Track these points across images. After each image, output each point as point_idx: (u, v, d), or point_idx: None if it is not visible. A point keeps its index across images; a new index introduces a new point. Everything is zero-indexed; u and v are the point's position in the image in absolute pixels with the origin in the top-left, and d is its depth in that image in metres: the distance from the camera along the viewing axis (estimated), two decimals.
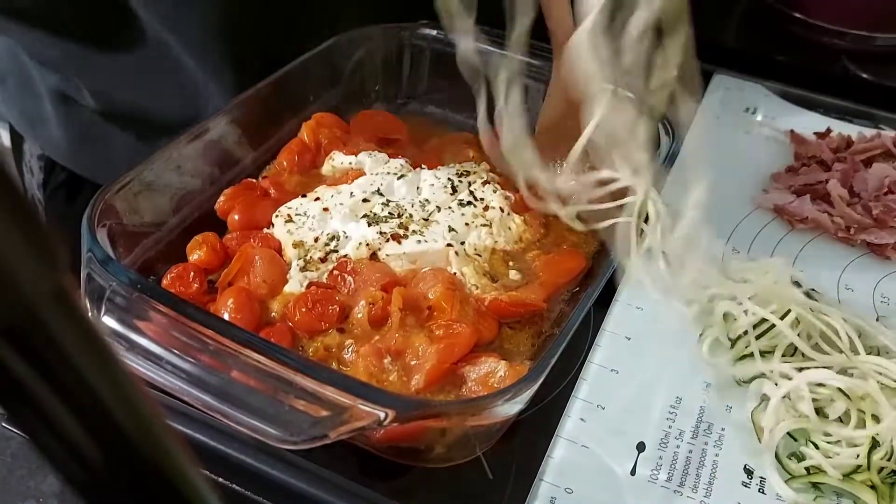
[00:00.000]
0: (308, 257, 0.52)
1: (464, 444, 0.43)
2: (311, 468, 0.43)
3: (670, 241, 0.44)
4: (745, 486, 0.44)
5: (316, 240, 0.53)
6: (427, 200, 0.56)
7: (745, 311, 0.50)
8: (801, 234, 0.62)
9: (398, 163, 0.60)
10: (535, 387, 0.41)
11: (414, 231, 0.53)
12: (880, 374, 0.47)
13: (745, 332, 0.50)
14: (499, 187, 0.58)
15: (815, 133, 0.72)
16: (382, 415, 0.37)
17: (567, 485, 0.44)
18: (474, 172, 0.59)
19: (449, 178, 0.58)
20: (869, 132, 0.72)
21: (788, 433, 0.46)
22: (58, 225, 0.80)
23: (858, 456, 0.44)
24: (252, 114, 0.60)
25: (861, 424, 0.45)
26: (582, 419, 0.47)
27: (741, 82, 0.79)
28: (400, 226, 0.54)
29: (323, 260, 0.52)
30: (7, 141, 0.84)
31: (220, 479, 0.43)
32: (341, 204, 0.55)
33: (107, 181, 0.49)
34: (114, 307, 0.42)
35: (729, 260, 0.58)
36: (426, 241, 0.53)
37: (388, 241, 0.52)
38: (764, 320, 0.50)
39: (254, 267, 0.51)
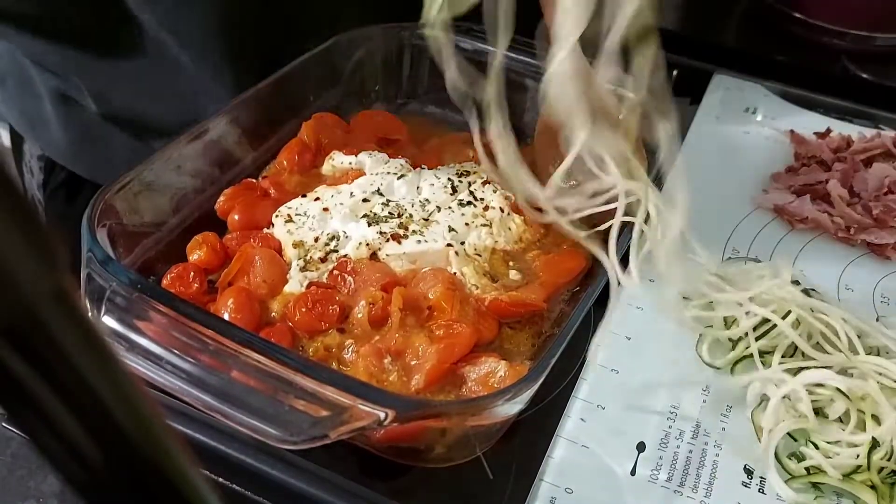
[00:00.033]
0: (308, 257, 0.52)
1: (464, 444, 0.43)
2: (311, 468, 0.43)
3: (659, 253, 0.44)
4: (745, 486, 0.44)
5: (316, 240, 0.53)
6: (427, 200, 0.56)
7: (747, 313, 0.50)
8: (801, 234, 0.62)
9: (398, 163, 0.60)
10: (535, 387, 0.41)
11: (414, 231, 0.53)
12: (880, 374, 0.47)
13: (746, 334, 0.50)
14: (499, 187, 0.58)
15: (815, 133, 0.72)
16: (382, 415, 0.37)
17: (567, 485, 0.44)
18: (474, 172, 0.59)
19: (449, 178, 0.58)
20: (869, 132, 0.72)
21: (788, 433, 0.46)
22: (58, 225, 0.80)
23: (858, 456, 0.44)
24: (252, 114, 0.60)
25: (861, 425, 0.45)
26: (582, 419, 0.47)
27: (741, 82, 0.79)
28: (400, 226, 0.54)
29: (323, 260, 0.52)
30: (7, 141, 0.84)
31: (220, 479, 0.43)
32: (341, 204, 0.55)
33: (107, 181, 0.49)
34: (114, 307, 0.42)
35: (729, 261, 0.58)
36: (426, 241, 0.53)
37: (388, 241, 0.52)
38: (764, 321, 0.50)
39: (254, 267, 0.50)
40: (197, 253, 0.52)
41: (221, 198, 0.56)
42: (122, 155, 0.72)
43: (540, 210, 0.48)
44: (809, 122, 0.74)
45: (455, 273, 0.51)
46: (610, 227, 0.46)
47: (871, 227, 0.61)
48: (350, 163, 0.60)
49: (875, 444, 0.44)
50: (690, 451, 0.46)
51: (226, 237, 0.54)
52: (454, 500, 0.44)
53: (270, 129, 0.62)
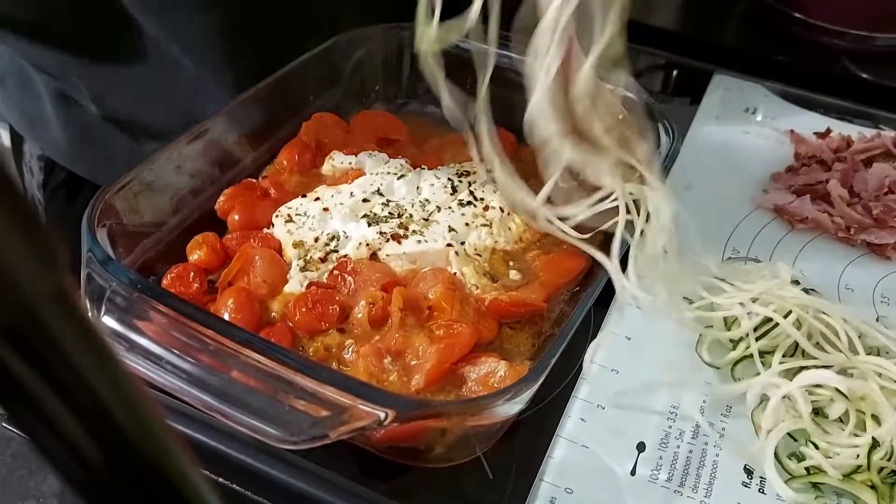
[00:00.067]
0: (308, 257, 0.52)
1: (464, 444, 0.43)
2: (311, 468, 0.43)
3: (659, 254, 0.45)
4: (745, 486, 0.44)
5: (316, 240, 0.53)
6: (427, 200, 0.56)
7: (749, 314, 0.50)
8: (801, 234, 0.62)
9: (398, 163, 0.60)
10: (535, 387, 0.41)
11: (414, 231, 0.53)
12: (880, 374, 0.47)
13: (747, 335, 0.50)
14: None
15: (815, 133, 0.72)
16: (382, 415, 0.37)
17: (567, 485, 0.44)
18: (474, 172, 0.59)
19: (449, 178, 0.58)
20: (869, 132, 0.72)
21: (788, 433, 0.46)
22: (58, 225, 0.80)
23: (858, 456, 0.44)
24: (252, 114, 0.60)
25: (861, 425, 0.45)
26: (582, 419, 0.47)
27: (741, 82, 0.79)
28: (400, 226, 0.54)
29: (323, 260, 0.52)
30: (7, 141, 0.84)
31: (220, 479, 0.43)
32: (341, 204, 0.55)
33: (107, 181, 0.49)
34: (114, 307, 0.42)
35: (729, 261, 0.58)
36: (426, 241, 0.53)
37: (388, 241, 0.52)
38: (765, 321, 0.50)
39: (254, 267, 0.51)
40: (197, 253, 0.52)
41: (221, 198, 0.56)
42: (122, 155, 0.72)
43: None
44: (809, 122, 0.74)
45: (455, 273, 0.51)
46: (608, 229, 0.46)
47: (871, 227, 0.61)
48: (350, 163, 0.60)
49: (875, 444, 0.44)
50: (690, 451, 0.46)
51: (226, 237, 0.54)
52: (454, 500, 0.44)
53: (270, 129, 0.62)
